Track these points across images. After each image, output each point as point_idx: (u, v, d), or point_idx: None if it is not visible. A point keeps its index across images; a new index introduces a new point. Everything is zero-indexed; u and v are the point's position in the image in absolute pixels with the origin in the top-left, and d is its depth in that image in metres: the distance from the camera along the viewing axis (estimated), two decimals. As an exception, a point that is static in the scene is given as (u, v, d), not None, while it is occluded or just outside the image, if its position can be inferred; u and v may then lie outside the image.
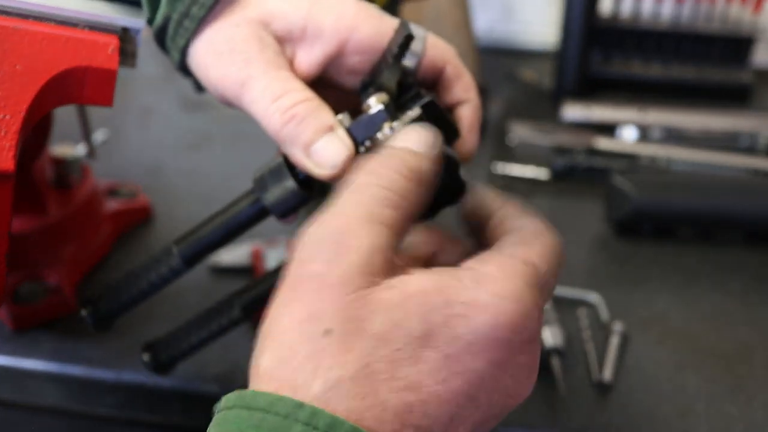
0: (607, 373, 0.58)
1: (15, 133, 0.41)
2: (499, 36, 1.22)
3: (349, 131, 0.42)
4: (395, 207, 0.35)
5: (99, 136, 0.90)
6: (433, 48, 0.45)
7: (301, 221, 0.37)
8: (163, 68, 1.11)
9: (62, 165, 0.67)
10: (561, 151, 0.87)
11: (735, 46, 1.04)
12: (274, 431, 0.29)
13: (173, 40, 0.45)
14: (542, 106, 1.03)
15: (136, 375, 0.58)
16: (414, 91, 0.43)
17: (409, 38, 0.42)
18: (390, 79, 0.43)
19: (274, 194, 0.43)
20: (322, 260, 0.33)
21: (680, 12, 1.04)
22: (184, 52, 0.45)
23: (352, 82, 0.46)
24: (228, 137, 0.93)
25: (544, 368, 0.58)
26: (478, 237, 0.41)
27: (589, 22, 1.00)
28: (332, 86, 0.46)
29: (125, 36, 0.45)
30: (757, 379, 0.59)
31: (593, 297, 0.66)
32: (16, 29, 0.41)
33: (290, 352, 0.31)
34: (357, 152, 0.41)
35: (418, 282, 0.33)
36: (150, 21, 0.46)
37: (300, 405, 0.30)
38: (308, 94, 0.42)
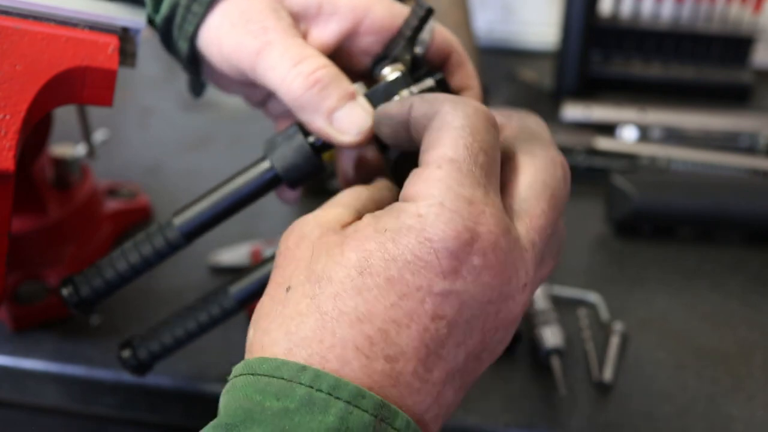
0: (607, 373, 0.58)
1: (15, 133, 0.41)
2: (499, 36, 1.22)
3: (368, 97, 0.42)
4: (359, 197, 0.38)
5: (99, 136, 0.90)
6: (440, 35, 0.46)
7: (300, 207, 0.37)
8: (163, 68, 1.11)
9: (62, 165, 0.67)
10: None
11: (735, 46, 1.04)
12: (279, 394, 0.30)
13: (181, 27, 0.45)
14: (542, 106, 1.02)
15: (136, 375, 0.58)
16: (424, 69, 0.44)
17: (429, 12, 0.43)
18: (404, 53, 0.43)
19: (288, 160, 0.42)
20: (287, 236, 0.36)
21: (680, 12, 1.04)
22: (192, 39, 0.45)
23: (361, 63, 0.46)
24: (228, 137, 0.93)
25: (545, 368, 0.58)
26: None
27: (589, 22, 1.00)
28: (341, 66, 0.46)
29: (125, 36, 0.45)
30: (757, 379, 0.59)
31: (593, 297, 0.66)
32: (16, 29, 0.41)
33: (264, 318, 0.34)
34: None
35: (356, 224, 0.34)
36: (152, 16, 0.46)
37: (303, 368, 0.31)
38: (327, 60, 0.43)
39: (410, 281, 0.32)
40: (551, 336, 0.58)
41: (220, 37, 0.44)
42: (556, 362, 0.57)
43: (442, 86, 0.42)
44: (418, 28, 0.43)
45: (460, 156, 0.33)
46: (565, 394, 0.56)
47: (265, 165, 0.43)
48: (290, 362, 0.31)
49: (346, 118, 0.41)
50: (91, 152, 0.74)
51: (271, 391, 0.31)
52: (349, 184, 0.48)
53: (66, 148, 0.69)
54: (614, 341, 0.61)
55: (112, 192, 0.75)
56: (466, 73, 0.47)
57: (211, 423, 0.31)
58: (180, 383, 0.57)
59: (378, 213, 0.34)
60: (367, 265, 0.32)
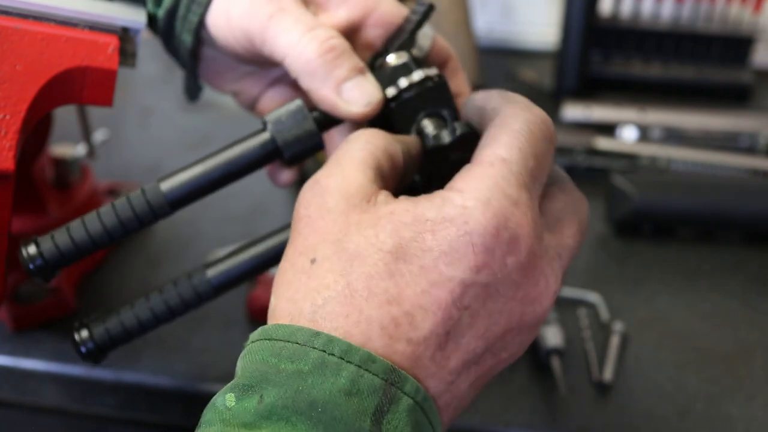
0: (607, 373, 0.58)
1: (15, 133, 0.41)
2: (499, 36, 1.22)
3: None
4: (374, 151, 0.37)
5: (99, 136, 0.90)
6: (439, 43, 0.47)
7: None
8: (163, 68, 1.11)
9: (62, 165, 0.67)
10: (561, 151, 0.87)
11: (735, 46, 1.04)
12: (293, 357, 0.32)
13: (185, 19, 0.45)
14: (542, 106, 1.02)
15: (136, 375, 0.58)
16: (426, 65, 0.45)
17: (431, 8, 0.43)
18: (405, 48, 0.44)
19: (290, 133, 0.42)
20: (308, 202, 0.36)
21: (680, 12, 1.04)
22: (197, 31, 0.45)
23: (362, 58, 0.46)
24: (228, 137, 0.92)
25: (545, 368, 0.58)
26: None
27: (589, 22, 0.99)
28: None
29: (125, 36, 0.45)
30: (757, 379, 0.59)
31: (593, 297, 0.66)
32: (16, 29, 0.41)
33: (286, 286, 0.35)
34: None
35: (390, 205, 0.35)
36: (153, 11, 0.46)
37: (316, 333, 0.32)
38: (339, 34, 0.43)
39: (443, 271, 0.33)
40: (551, 336, 0.58)
41: (228, 10, 0.44)
42: (556, 362, 0.57)
43: (442, 81, 0.43)
44: (420, 23, 0.43)
45: (512, 157, 0.35)
46: (565, 394, 0.56)
47: (265, 136, 0.42)
48: (305, 328, 0.32)
49: (357, 89, 0.42)
50: (91, 152, 0.74)
51: (286, 354, 0.32)
52: None
53: (66, 148, 0.69)
54: (614, 341, 0.61)
55: (112, 192, 0.75)
56: (461, 80, 0.49)
57: (229, 384, 0.32)
58: (180, 383, 0.57)
59: (416, 198, 0.35)
60: (402, 253, 0.33)
